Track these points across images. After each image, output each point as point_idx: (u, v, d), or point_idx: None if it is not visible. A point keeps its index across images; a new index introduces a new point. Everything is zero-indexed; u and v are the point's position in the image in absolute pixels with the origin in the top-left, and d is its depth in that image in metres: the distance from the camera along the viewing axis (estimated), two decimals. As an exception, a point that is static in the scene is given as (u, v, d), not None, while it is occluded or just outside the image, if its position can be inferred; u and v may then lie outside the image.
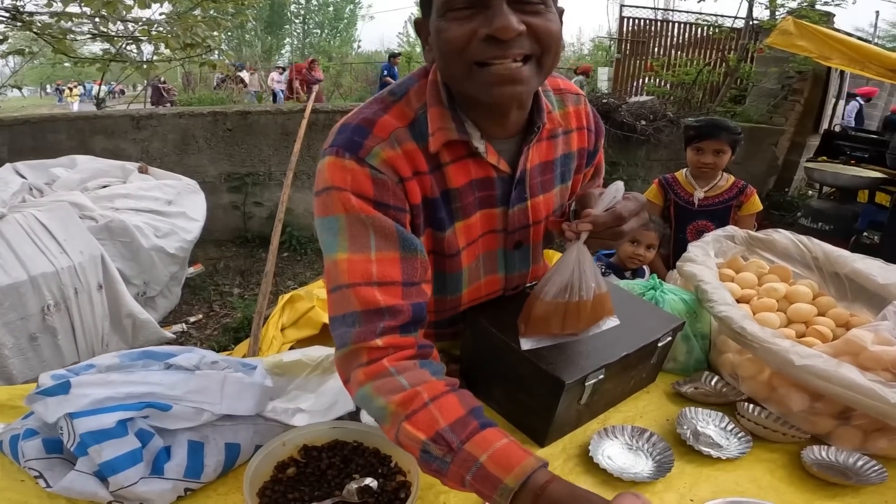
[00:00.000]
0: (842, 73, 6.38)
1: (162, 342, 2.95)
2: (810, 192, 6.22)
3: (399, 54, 12.11)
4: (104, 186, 3.37)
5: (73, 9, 3.75)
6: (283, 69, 13.73)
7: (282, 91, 12.59)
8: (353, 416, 0.99)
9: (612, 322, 0.95)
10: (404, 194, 0.80)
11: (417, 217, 0.84)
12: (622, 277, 2.00)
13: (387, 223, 0.77)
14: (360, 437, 0.88)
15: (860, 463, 0.90)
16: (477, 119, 0.84)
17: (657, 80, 8.09)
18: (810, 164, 4.88)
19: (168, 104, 10.29)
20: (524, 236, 0.97)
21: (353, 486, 0.79)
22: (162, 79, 10.28)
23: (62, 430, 0.76)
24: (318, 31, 26.50)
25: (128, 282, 2.90)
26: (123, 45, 4.03)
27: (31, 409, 0.81)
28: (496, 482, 0.63)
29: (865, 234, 4.57)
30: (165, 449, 0.79)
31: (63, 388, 0.78)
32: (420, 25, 0.83)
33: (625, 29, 8.55)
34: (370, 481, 0.80)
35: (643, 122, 5.32)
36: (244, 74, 13.01)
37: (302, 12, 25.46)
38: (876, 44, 7.71)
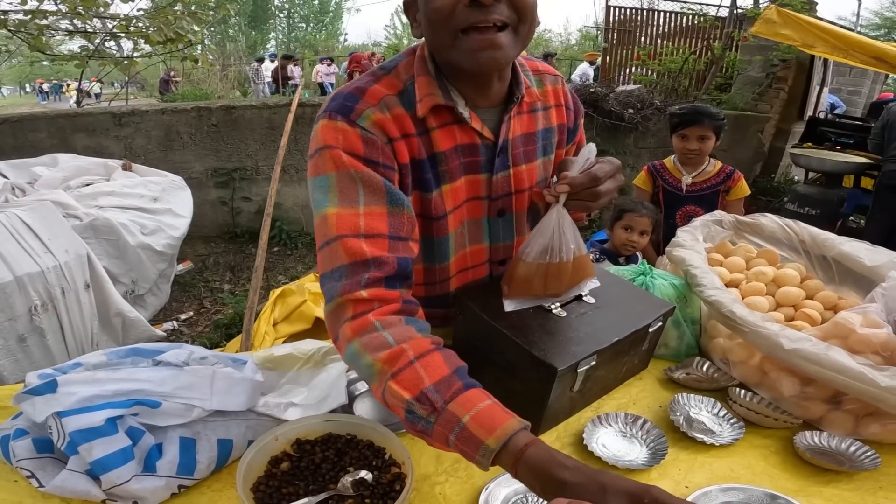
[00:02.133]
0: (825, 61, 6.42)
1: (153, 340, 2.92)
2: (796, 177, 6.28)
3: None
4: (87, 184, 3.31)
5: (49, 6, 3.68)
6: (331, 61, 13.20)
7: (331, 84, 12.07)
8: (346, 408, 0.98)
9: (592, 283, 0.97)
10: (393, 154, 0.85)
11: (406, 177, 0.88)
12: (616, 264, 2.01)
13: (375, 178, 0.81)
14: (354, 430, 0.87)
15: (853, 448, 0.91)
16: (461, 88, 0.89)
17: (644, 69, 8.10)
18: (796, 151, 4.92)
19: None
20: (507, 204, 1.00)
21: (348, 479, 0.79)
22: (172, 72, 10.01)
23: (51, 430, 0.75)
24: (304, 24, 26.23)
25: (115, 280, 2.86)
26: (102, 42, 3.95)
27: (19, 408, 0.80)
28: (478, 443, 0.64)
29: (851, 218, 4.63)
30: (157, 446, 0.78)
31: (50, 386, 0.77)
32: (408, 5, 0.89)
33: (611, 18, 8.54)
34: (365, 474, 0.80)
35: (631, 111, 5.34)
36: (273, 66, 12.41)
37: (286, 6, 25.18)
38: (858, 32, 7.77)
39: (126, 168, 3.60)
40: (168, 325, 3.21)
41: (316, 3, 25.81)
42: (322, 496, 0.77)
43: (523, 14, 0.80)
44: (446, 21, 0.78)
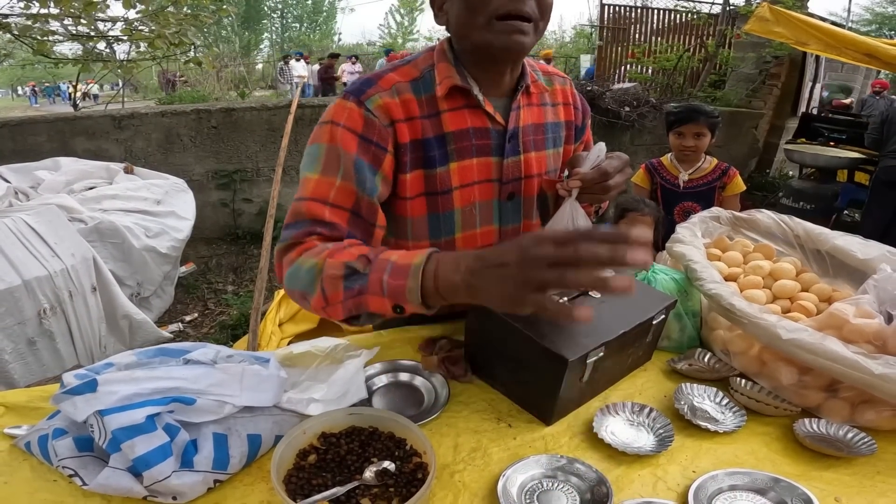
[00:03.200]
0: (817, 57, 6.48)
1: (160, 342, 2.95)
2: (790, 172, 6.35)
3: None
4: (90, 188, 3.34)
5: (50, 10, 3.69)
6: (356, 58, 13.06)
7: None
8: (365, 403, 1.02)
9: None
10: (393, 135, 0.96)
11: (405, 155, 0.98)
12: None
13: (351, 161, 0.93)
14: (376, 423, 0.91)
15: (850, 435, 0.95)
16: (476, 75, 1.01)
17: (639, 66, 8.16)
18: (790, 146, 4.99)
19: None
20: (517, 188, 1.09)
21: (373, 469, 0.83)
22: (178, 73, 10.15)
23: (92, 428, 0.78)
24: (297, 25, 26.17)
25: (121, 283, 2.89)
26: (105, 45, 3.97)
27: (57, 408, 0.83)
28: (406, 268, 0.74)
29: (846, 212, 4.70)
30: (192, 442, 0.82)
31: (90, 386, 0.80)
32: None
33: (605, 16, 8.58)
34: (388, 464, 0.83)
35: (627, 109, 5.38)
36: (300, 65, 12.23)
37: (279, 6, 25.10)
38: (850, 28, 7.85)
39: (128, 171, 3.63)
40: (174, 327, 3.24)
41: (309, 2, 25.75)
42: (349, 486, 0.81)
43: (544, 12, 0.93)
44: (485, 6, 0.89)
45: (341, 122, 0.94)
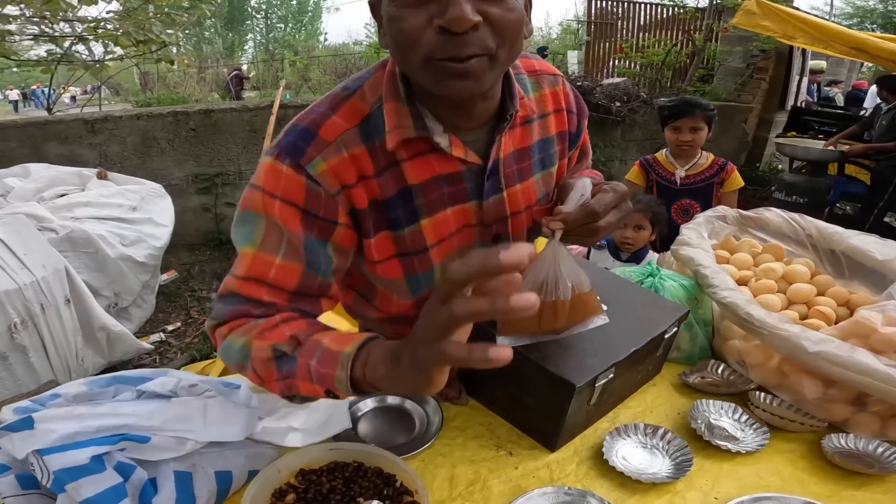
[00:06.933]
0: (803, 50, 6.47)
1: (140, 353, 2.83)
2: (780, 166, 6.34)
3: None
4: (62, 195, 3.19)
5: (12, 10, 3.54)
6: None
7: None
8: (349, 432, 0.92)
9: (600, 320, 0.88)
10: (345, 203, 0.77)
11: (366, 221, 0.80)
12: (617, 258, 1.98)
13: (299, 240, 0.75)
14: (361, 458, 0.82)
15: (881, 450, 0.88)
16: (440, 111, 0.78)
17: (627, 61, 8.12)
18: (781, 140, 4.97)
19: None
20: (503, 228, 0.90)
21: (359, 510, 0.73)
22: (240, 69, 9.97)
23: (33, 467, 0.69)
24: (282, 25, 25.96)
25: (97, 294, 2.75)
26: (70, 46, 3.80)
27: (-4, 446, 0.73)
28: (336, 356, 0.63)
29: (838, 205, 4.68)
30: (150, 481, 0.72)
31: (26, 423, 0.70)
32: (374, 7, 0.74)
33: (592, 11, 8.54)
34: (376, 503, 0.74)
35: (618, 104, 5.32)
36: None
37: (264, 6, 24.89)
38: (833, 21, 7.86)
39: (101, 177, 3.48)
40: (155, 337, 3.11)
41: (294, 2, 25.55)
42: (332, 530, 0.72)
43: (505, 37, 0.67)
44: (413, 46, 0.66)
45: (278, 193, 0.73)
